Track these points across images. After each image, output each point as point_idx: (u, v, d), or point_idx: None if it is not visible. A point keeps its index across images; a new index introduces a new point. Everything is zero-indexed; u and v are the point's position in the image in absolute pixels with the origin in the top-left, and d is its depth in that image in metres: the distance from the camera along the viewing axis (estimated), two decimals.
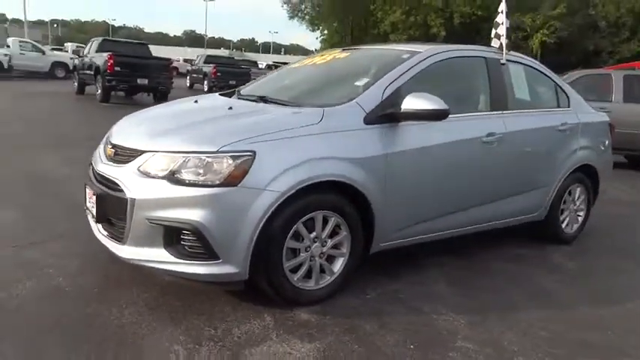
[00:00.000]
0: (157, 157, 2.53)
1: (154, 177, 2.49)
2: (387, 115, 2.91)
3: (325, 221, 2.73)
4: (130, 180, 2.55)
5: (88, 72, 15.03)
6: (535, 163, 3.81)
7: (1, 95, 13.57)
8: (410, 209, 3.09)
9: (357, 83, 3.15)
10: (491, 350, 2.45)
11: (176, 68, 26.56)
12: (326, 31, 26.80)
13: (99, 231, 2.83)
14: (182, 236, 2.46)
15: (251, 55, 64.38)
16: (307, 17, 26.38)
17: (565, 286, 3.36)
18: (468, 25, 22.01)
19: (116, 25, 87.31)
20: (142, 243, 2.52)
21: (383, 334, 2.52)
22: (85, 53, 16.17)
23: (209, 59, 23.38)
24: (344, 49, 4.08)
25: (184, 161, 2.46)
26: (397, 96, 2.96)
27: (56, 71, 22.15)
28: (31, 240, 3.37)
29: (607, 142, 4.54)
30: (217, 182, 2.41)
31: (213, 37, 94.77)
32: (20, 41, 22.58)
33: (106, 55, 13.62)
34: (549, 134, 3.91)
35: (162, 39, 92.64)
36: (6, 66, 19.34)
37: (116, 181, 2.60)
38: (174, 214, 2.42)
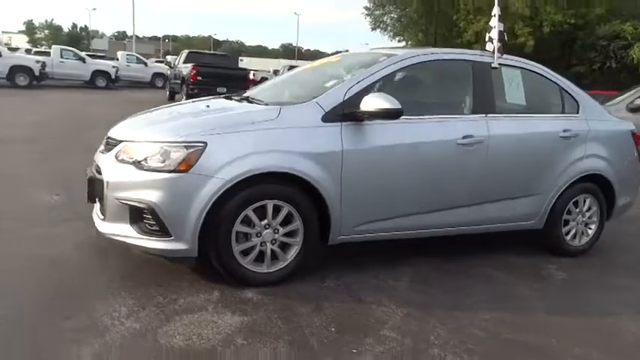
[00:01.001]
0: (129, 145, 2.92)
1: (125, 163, 2.88)
2: (348, 114, 3.08)
3: (278, 210, 2.95)
4: (108, 165, 2.97)
5: (176, 81, 16.44)
6: (527, 168, 3.72)
7: (105, 102, 15.22)
8: (372, 205, 3.21)
9: (327, 85, 3.35)
10: (410, 341, 2.52)
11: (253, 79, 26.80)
12: (410, 42, 26.74)
13: (95, 210, 3.29)
14: (143, 215, 2.82)
15: None
16: (389, 29, 26.55)
17: (541, 295, 3.27)
18: (560, 34, 20.84)
19: (220, 39, 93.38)
20: (115, 220, 2.92)
21: (313, 316, 2.69)
22: (175, 64, 17.68)
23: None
24: (339, 54, 4.27)
25: (148, 149, 2.82)
26: (362, 97, 3.12)
27: (156, 81, 24.25)
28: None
29: (630, 153, 4.27)
30: (172, 168, 2.75)
31: (309, 50, 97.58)
32: (127, 54, 25.07)
33: (190, 65, 14.82)
34: (546, 140, 3.80)
35: (262, 52, 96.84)
36: (114, 77, 21.53)
37: (100, 166, 3.04)
38: (136, 195, 2.79)
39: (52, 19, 70.65)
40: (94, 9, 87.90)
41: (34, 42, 54.40)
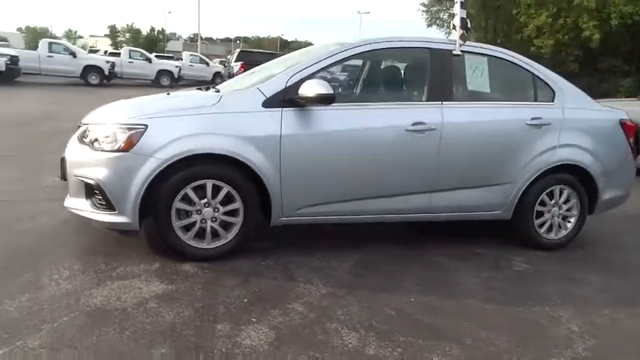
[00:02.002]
0: (89, 128, 3.23)
1: (84, 144, 3.20)
2: (289, 100, 3.21)
3: (219, 190, 3.15)
4: (71, 146, 3.30)
5: (228, 79, 17.13)
6: (488, 157, 3.66)
7: None
8: (313, 189, 3.32)
9: (275, 72, 3.49)
10: (315, 315, 2.62)
11: None
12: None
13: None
14: (94, 191, 3.11)
15: None
16: (446, 25, 25.87)
17: (483, 284, 3.22)
18: (630, 26, 19.40)
19: (289, 39, 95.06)
20: (75, 195, 3.24)
21: (233, 288, 2.85)
22: (228, 63, 18.42)
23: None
24: (311, 46, 4.38)
25: (100, 131, 3.11)
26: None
27: (216, 79, 25.29)
28: None
29: (619, 143, 4.06)
30: (116, 148, 3.02)
31: None
32: (191, 55, 26.33)
33: (239, 63, 15.40)
34: (509, 128, 3.71)
35: None
36: (176, 76, 22.69)
37: (68, 147, 3.38)
38: (87, 172, 3.09)
39: (133, 23, 75.37)
40: (169, 12, 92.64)
41: (116, 45, 58.23)
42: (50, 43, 19.99)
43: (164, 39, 63.75)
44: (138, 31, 65.95)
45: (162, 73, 22.13)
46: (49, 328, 2.30)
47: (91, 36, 72.50)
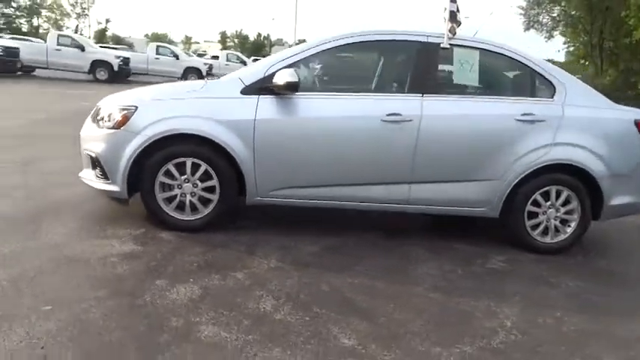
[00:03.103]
0: (99, 109, 3.72)
1: (93, 122, 3.70)
2: (265, 88, 3.46)
3: (198, 168, 3.47)
4: (85, 124, 3.82)
5: None
6: (471, 151, 3.60)
7: None
8: (286, 173, 3.52)
9: (263, 62, 3.75)
10: (249, 283, 2.82)
11: None
12: (571, 43, 24.15)
13: None
14: (96, 163, 3.59)
15: None
16: (544, 28, 24.31)
17: (445, 277, 3.20)
18: None
19: None
20: (86, 166, 3.75)
21: (193, 256, 3.14)
22: None
23: None
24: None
25: (105, 111, 3.58)
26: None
27: None
28: None
29: (632, 146, 3.78)
30: (111, 126, 3.47)
31: None
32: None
33: None
34: (496, 123, 3.62)
35: None
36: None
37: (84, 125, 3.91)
38: (91, 146, 3.58)
39: (241, 30, 79.63)
40: (273, 19, 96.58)
41: (225, 50, 62.01)
42: (158, 47, 21.95)
43: (269, 44, 66.72)
44: (245, 37, 69.79)
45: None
46: (20, 267, 2.75)
47: (205, 41, 77.97)
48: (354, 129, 3.51)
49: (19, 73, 18.44)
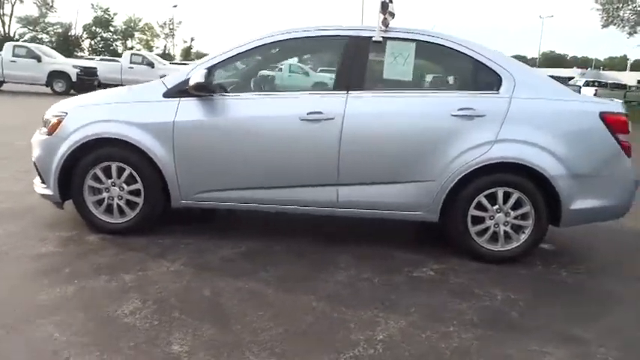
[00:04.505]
0: (43, 116, 3.91)
1: (39, 130, 3.88)
2: (185, 90, 3.45)
3: (124, 171, 3.53)
4: (36, 132, 4.02)
5: None
6: (401, 150, 3.33)
7: None
8: (208, 175, 3.47)
9: (191, 64, 3.74)
10: (131, 285, 2.79)
11: None
12: None
13: None
14: (36, 168, 3.76)
15: (608, 75, 56.41)
16: (628, 24, 22.03)
17: (351, 285, 2.97)
18: None
19: None
20: (36, 173, 3.95)
21: (103, 256, 3.18)
22: None
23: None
24: None
25: (45, 119, 3.76)
26: (208, 74, 3.44)
27: None
28: None
29: (600, 140, 3.32)
30: (46, 133, 3.62)
31: (575, 57, 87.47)
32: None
33: None
34: (428, 119, 3.33)
35: (522, 61, 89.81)
36: None
37: None
38: (34, 153, 3.76)
39: None
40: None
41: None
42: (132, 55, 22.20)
43: None
44: None
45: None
46: None
47: None
48: (274, 129, 3.39)
49: None
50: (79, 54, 47.38)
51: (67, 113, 3.56)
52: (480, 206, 3.37)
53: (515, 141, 3.28)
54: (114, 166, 3.51)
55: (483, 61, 3.41)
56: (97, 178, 3.55)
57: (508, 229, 3.38)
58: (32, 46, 19.67)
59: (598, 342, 2.43)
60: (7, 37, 46.05)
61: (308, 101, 3.41)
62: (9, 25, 50.99)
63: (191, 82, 3.30)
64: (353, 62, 3.44)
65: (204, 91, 3.31)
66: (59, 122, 3.54)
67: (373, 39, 3.44)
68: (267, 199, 3.49)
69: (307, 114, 3.33)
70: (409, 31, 3.50)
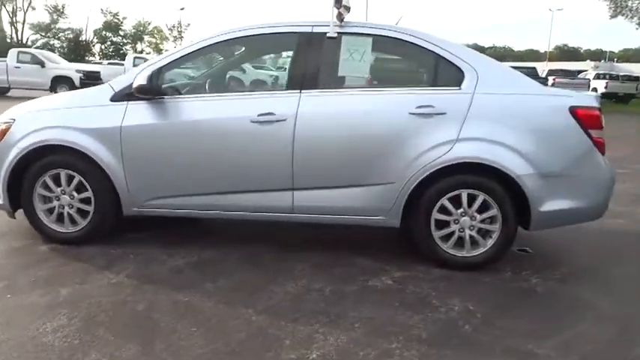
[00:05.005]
0: None
1: None
2: (131, 93, 3.30)
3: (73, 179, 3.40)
4: None
5: None
6: (357, 152, 3.15)
7: None
8: (158, 181, 3.32)
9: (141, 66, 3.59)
10: (65, 300, 2.65)
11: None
12: None
13: None
14: None
15: (622, 67, 55.16)
16: (637, 15, 21.41)
17: (297, 296, 2.79)
18: None
19: (485, 46, 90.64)
20: None
21: (47, 268, 3.06)
22: None
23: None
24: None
25: None
26: (156, 77, 3.29)
27: None
28: None
29: (567, 137, 3.11)
30: None
31: (589, 50, 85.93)
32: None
33: None
34: (385, 118, 3.14)
35: (534, 55, 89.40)
36: None
37: None
38: None
39: None
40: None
41: None
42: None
43: None
44: None
45: None
46: None
47: None
48: (224, 132, 3.23)
49: None
50: (90, 58, 47.86)
51: (14, 120, 3.43)
52: (443, 210, 3.17)
53: (478, 139, 3.08)
54: (63, 173, 3.37)
55: (444, 55, 3.20)
56: (46, 187, 3.42)
57: (474, 233, 3.18)
58: (35, 51, 19.86)
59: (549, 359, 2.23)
60: (20, 44, 46.67)
61: (260, 102, 3.24)
62: (22, 32, 51.65)
63: (134, 85, 3.15)
64: (307, 60, 3.26)
65: (149, 93, 3.16)
66: (7, 129, 3.42)
67: (327, 35, 3.26)
68: (219, 205, 3.33)
69: (258, 115, 3.16)
70: (365, 25, 3.31)
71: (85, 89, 3.68)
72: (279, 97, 3.24)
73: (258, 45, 3.57)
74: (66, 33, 53.09)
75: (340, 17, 3.25)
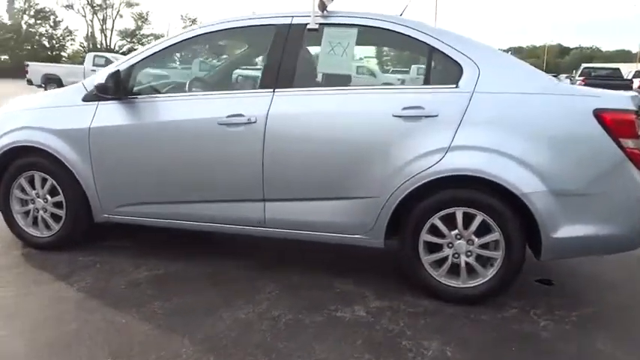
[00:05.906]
0: None
1: None
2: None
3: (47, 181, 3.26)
4: None
5: None
6: (333, 159, 2.74)
7: None
8: (127, 187, 3.10)
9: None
10: (47, 305, 2.54)
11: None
12: None
13: None
14: None
15: None
16: None
17: (250, 324, 2.46)
18: None
19: (570, 46, 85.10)
20: None
21: (18, 269, 2.97)
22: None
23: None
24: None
25: None
26: (126, 75, 3.09)
27: None
28: None
29: (591, 148, 2.52)
30: None
31: None
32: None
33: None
34: (365, 121, 2.70)
35: (625, 56, 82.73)
36: None
37: None
38: None
39: None
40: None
41: None
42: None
43: None
44: None
45: None
46: None
47: None
48: (191, 135, 2.94)
49: None
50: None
51: None
52: (434, 230, 2.68)
53: (475, 148, 2.56)
54: (37, 175, 3.25)
55: (440, 48, 2.71)
56: (23, 189, 3.31)
57: (472, 260, 2.65)
58: (110, 55, 21.01)
59: None
60: (109, 49, 50.04)
61: (230, 102, 2.92)
62: (110, 38, 55.37)
63: (95, 83, 2.94)
64: (282, 55, 2.89)
65: (109, 92, 2.94)
66: None
67: (308, 27, 2.87)
68: (188, 214, 3.05)
69: (227, 117, 2.84)
70: (350, 15, 2.88)
71: (62, 88, 3.54)
72: (249, 96, 2.90)
73: (235, 40, 3.25)
74: (148, 38, 56.20)
75: (322, 6, 2.85)
